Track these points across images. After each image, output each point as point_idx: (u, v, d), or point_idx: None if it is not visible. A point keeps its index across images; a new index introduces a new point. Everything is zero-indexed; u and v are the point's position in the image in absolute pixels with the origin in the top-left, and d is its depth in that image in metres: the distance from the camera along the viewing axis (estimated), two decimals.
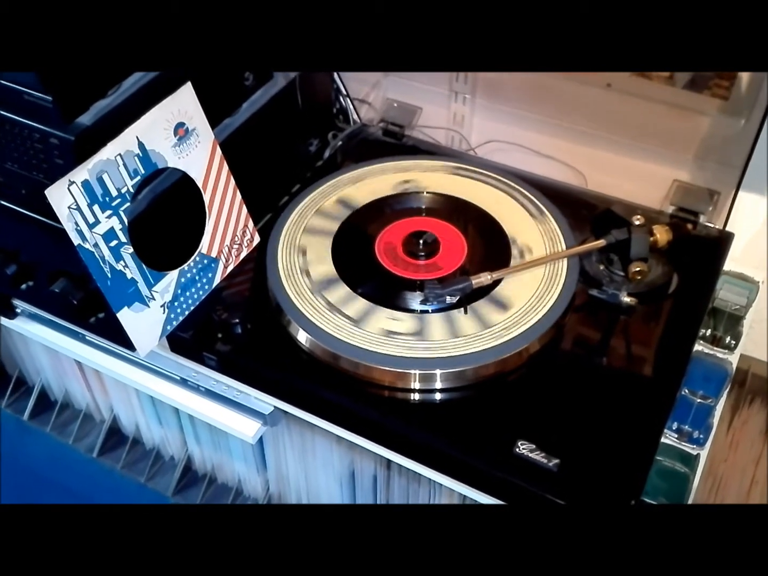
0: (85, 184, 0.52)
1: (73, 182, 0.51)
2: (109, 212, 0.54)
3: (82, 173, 0.51)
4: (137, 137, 0.54)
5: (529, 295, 0.62)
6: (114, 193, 0.54)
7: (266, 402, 0.65)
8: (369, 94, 0.87)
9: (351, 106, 0.86)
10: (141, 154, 0.55)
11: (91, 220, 0.53)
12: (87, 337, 0.73)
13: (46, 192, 0.49)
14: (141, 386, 0.72)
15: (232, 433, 0.68)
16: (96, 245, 0.54)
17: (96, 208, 0.53)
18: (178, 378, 0.69)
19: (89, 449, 0.91)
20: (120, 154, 0.53)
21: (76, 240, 0.52)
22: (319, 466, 0.72)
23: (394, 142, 0.83)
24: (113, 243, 0.55)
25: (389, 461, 0.62)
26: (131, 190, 0.55)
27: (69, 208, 0.51)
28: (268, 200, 0.75)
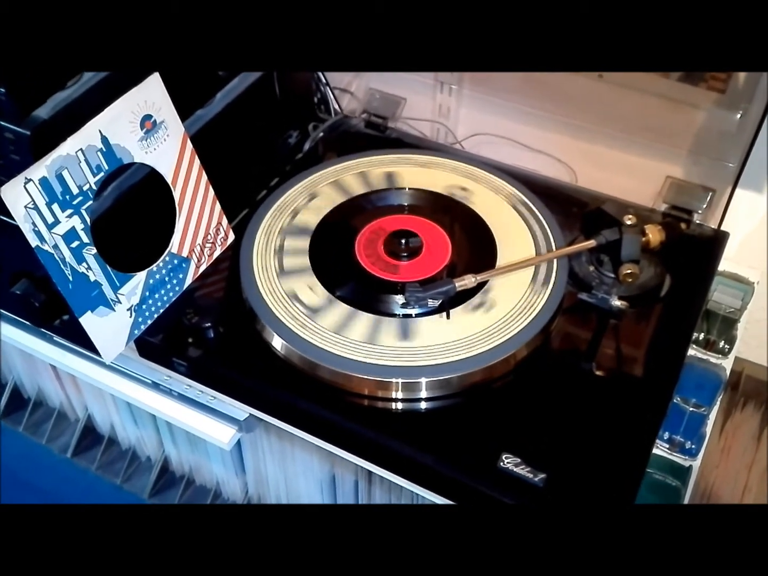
0: (43, 182, 0.49)
1: (30, 180, 0.48)
2: (69, 211, 0.51)
3: (39, 170, 0.48)
4: (100, 131, 0.51)
5: (516, 299, 0.60)
6: (75, 190, 0.51)
7: (241, 408, 0.62)
8: (351, 83, 0.84)
9: (332, 97, 0.83)
10: (104, 149, 0.52)
11: (50, 220, 0.50)
12: (56, 338, 0.70)
13: (0, 190, 0.46)
14: (115, 391, 0.70)
15: (206, 439, 0.66)
16: (56, 246, 0.50)
17: (55, 207, 0.50)
18: (150, 382, 0.66)
19: (63, 449, 0.89)
20: (81, 149, 0.50)
21: (33, 241, 0.49)
22: (299, 471, 0.70)
23: (376, 135, 0.80)
24: (74, 244, 0.52)
25: (370, 471, 0.60)
26: (94, 187, 0.52)
27: (26, 207, 0.48)
28: (244, 195, 0.72)
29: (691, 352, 0.64)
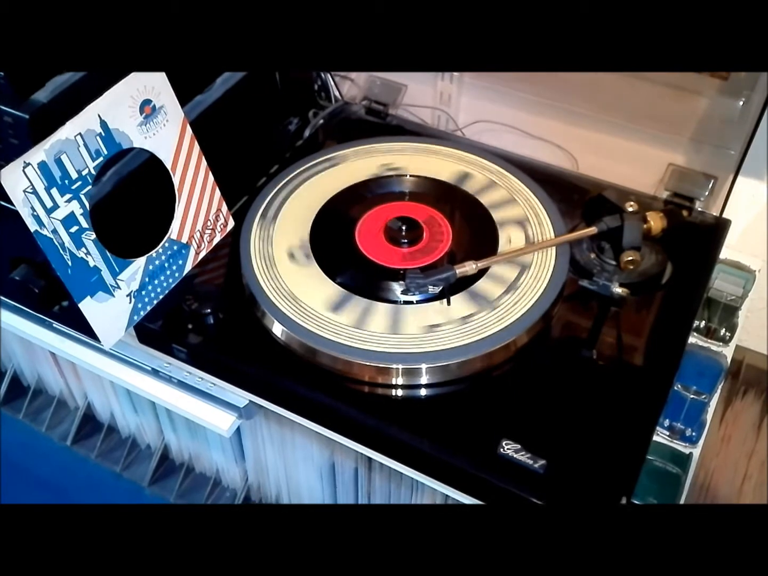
0: (42, 166, 0.48)
1: (29, 164, 0.48)
2: (68, 196, 0.51)
3: (38, 154, 0.48)
4: (99, 115, 0.51)
5: (516, 285, 0.59)
6: (74, 175, 0.50)
7: (241, 395, 0.62)
8: None
9: (332, 83, 0.82)
10: (103, 134, 0.51)
11: (49, 204, 0.49)
12: (55, 325, 0.70)
13: None
14: (115, 378, 0.70)
15: (206, 426, 0.65)
16: (55, 231, 0.50)
17: (54, 191, 0.50)
18: (150, 369, 0.66)
19: (63, 437, 0.89)
20: (80, 134, 0.50)
21: (32, 226, 0.49)
22: (298, 458, 0.70)
23: (377, 122, 0.80)
24: (74, 229, 0.51)
25: (370, 458, 0.60)
26: (93, 172, 0.52)
27: (24, 191, 0.48)
28: (244, 181, 0.72)
29: (692, 339, 0.64)
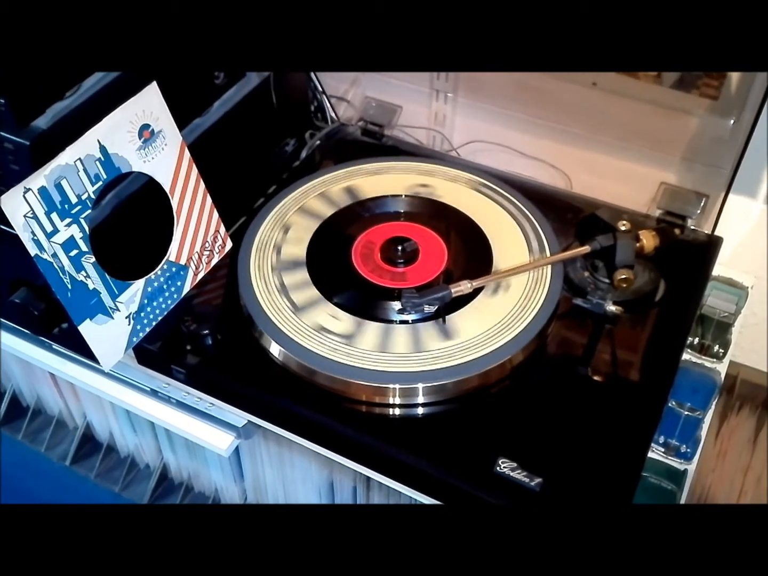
0: (42, 191, 0.49)
1: (29, 189, 0.48)
2: (68, 220, 0.51)
3: (38, 180, 0.49)
4: (99, 140, 0.51)
5: (511, 304, 0.60)
6: (74, 200, 0.51)
7: (239, 415, 0.62)
8: (347, 91, 0.84)
9: (328, 104, 0.83)
10: (103, 159, 0.52)
11: (49, 228, 0.50)
12: (55, 347, 0.70)
13: None
14: (114, 398, 0.70)
15: (205, 446, 0.66)
16: (55, 255, 0.51)
17: (54, 216, 0.50)
18: (149, 389, 0.67)
19: (62, 457, 0.89)
20: (80, 159, 0.51)
21: (32, 250, 0.50)
22: (297, 477, 0.70)
23: (373, 142, 0.80)
24: (73, 252, 0.52)
25: (368, 477, 0.60)
26: (92, 196, 0.52)
27: (25, 216, 0.48)
28: (242, 202, 0.73)
29: (685, 356, 0.64)
